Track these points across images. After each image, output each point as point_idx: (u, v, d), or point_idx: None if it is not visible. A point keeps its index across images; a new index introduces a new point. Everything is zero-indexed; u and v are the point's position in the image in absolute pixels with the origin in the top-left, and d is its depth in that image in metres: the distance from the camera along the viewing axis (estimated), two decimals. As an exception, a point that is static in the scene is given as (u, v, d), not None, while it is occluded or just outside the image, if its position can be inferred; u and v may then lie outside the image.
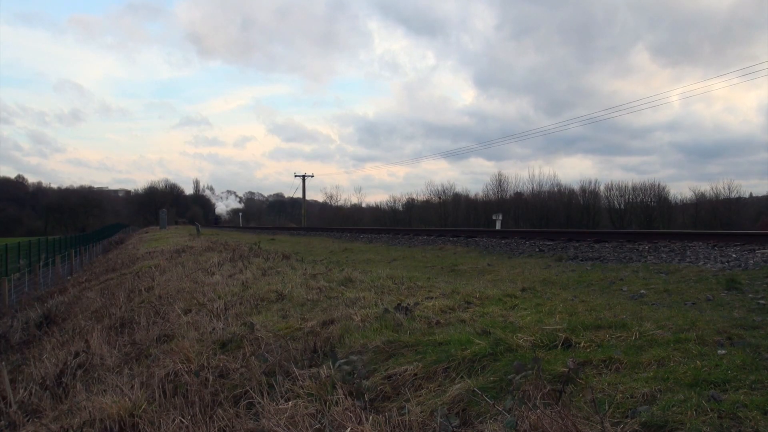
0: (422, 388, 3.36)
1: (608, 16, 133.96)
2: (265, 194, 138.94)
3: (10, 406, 5.35)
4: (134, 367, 5.60)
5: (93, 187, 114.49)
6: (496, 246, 13.59)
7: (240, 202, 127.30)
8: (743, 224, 46.75)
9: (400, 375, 3.56)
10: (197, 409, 3.82)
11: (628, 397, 2.68)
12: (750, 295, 5.55)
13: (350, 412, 3.07)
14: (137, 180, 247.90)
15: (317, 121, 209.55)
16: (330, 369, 3.79)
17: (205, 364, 4.74)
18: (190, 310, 7.48)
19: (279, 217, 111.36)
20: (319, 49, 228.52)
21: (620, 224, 55.48)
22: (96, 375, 5.77)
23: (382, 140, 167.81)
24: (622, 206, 58.70)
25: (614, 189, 59.45)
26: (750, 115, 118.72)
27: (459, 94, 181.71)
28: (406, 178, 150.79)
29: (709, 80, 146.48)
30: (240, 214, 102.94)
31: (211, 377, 4.41)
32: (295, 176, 66.14)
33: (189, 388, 4.29)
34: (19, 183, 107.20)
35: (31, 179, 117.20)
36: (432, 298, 5.63)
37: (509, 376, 3.11)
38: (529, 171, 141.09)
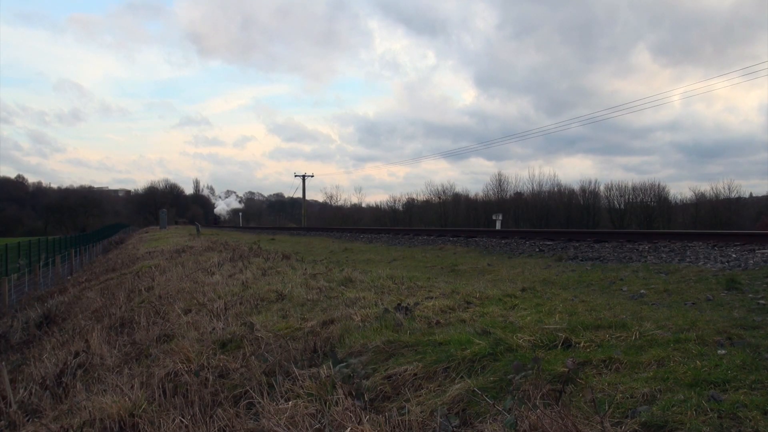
0: (422, 388, 3.36)
1: (609, 15, 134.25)
2: (265, 194, 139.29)
3: (10, 406, 5.34)
4: (134, 367, 5.60)
5: (93, 187, 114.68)
6: (496, 246, 13.59)
7: (240, 202, 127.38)
8: (743, 224, 46.73)
9: (400, 375, 3.56)
10: (197, 408, 3.82)
11: (628, 397, 2.68)
12: (750, 295, 5.55)
13: (350, 412, 3.07)
14: (137, 180, 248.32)
15: (317, 121, 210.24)
16: (330, 369, 3.79)
17: (205, 364, 4.74)
18: (190, 310, 7.48)
19: (279, 217, 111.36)
20: (319, 48, 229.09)
21: (620, 224, 55.43)
22: (96, 375, 5.78)
23: (382, 140, 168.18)
24: (622, 206, 58.64)
25: (614, 189, 59.48)
26: (751, 114, 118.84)
27: (459, 93, 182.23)
28: (406, 178, 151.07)
29: (710, 80, 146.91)
30: (240, 214, 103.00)
31: (211, 377, 4.41)
32: (295, 176, 66.25)
33: (189, 388, 4.29)
34: (19, 183, 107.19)
35: (31, 179, 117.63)
36: (432, 298, 5.63)
37: (509, 376, 3.11)
38: (529, 171, 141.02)
